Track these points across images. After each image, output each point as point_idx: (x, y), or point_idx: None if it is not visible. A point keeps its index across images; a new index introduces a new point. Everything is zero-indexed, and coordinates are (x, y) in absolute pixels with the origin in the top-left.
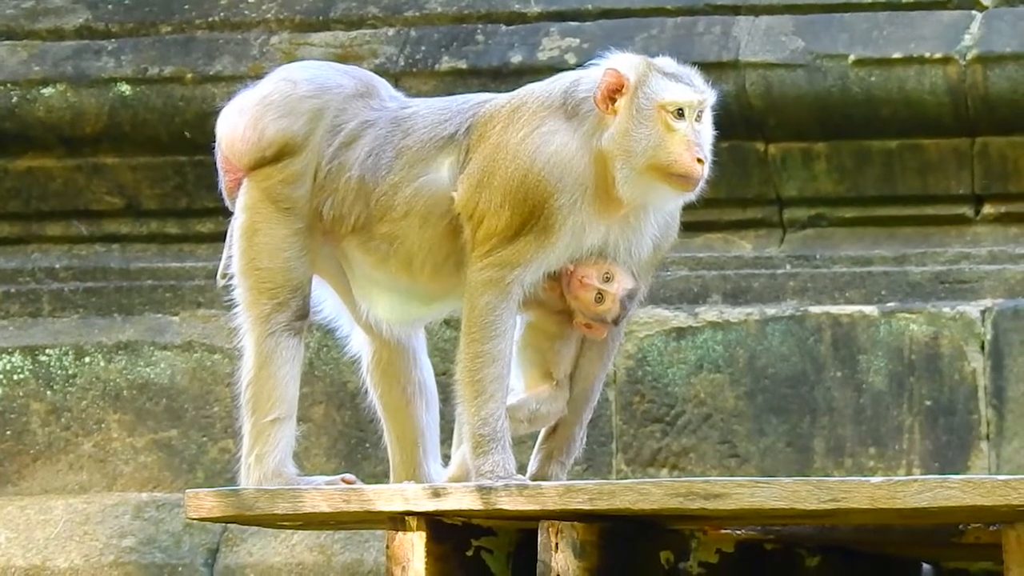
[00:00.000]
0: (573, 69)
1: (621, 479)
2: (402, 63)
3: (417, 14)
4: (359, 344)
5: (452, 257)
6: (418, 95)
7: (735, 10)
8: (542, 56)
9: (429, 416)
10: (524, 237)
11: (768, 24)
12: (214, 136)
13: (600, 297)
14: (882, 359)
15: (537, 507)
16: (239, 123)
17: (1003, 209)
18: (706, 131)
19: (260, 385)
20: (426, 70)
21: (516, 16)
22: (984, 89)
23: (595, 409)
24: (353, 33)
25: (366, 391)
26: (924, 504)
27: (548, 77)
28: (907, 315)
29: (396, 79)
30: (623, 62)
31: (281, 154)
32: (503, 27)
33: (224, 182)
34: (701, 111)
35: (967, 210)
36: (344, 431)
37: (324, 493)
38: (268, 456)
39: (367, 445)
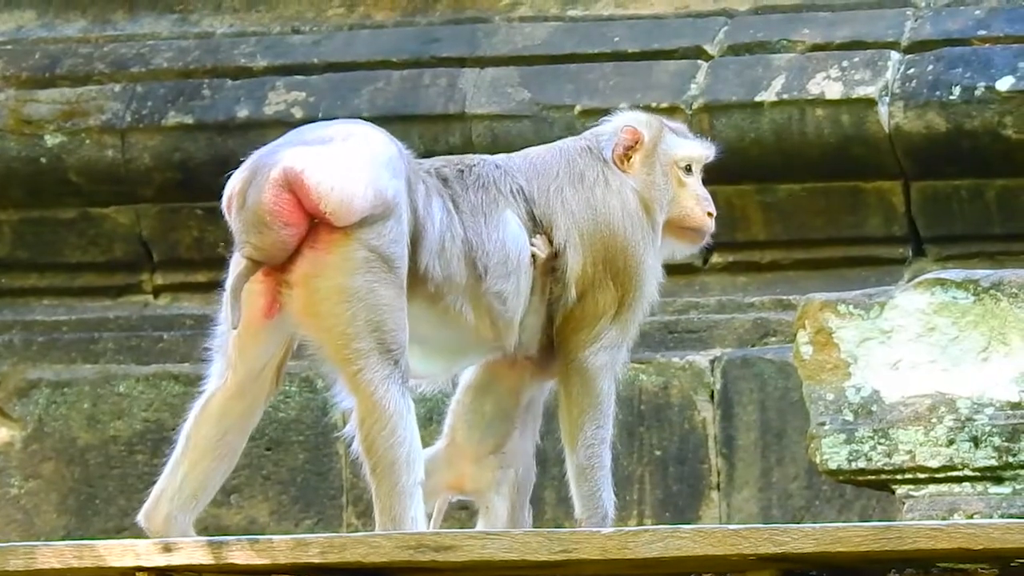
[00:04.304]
0: (299, 123)
1: (352, 532)
2: (129, 119)
3: (143, 70)
4: (215, 373)
5: (528, 309)
6: (145, 150)
7: (461, 62)
8: (268, 110)
9: (221, 477)
10: (625, 313)
11: (494, 76)
12: None
13: None
14: None
15: (268, 561)
16: (353, 179)
17: (731, 258)
18: None
19: (399, 446)
20: (153, 125)
21: (242, 70)
22: (710, 138)
23: (325, 463)
24: (80, 89)
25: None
26: (655, 554)
27: (275, 130)
28: (636, 365)
29: (123, 135)
30: (636, 119)
31: (388, 213)
32: (229, 81)
33: (281, 235)
34: (702, 167)
35: (695, 259)
36: (74, 487)
37: (55, 549)
38: (409, 518)
39: (97, 501)
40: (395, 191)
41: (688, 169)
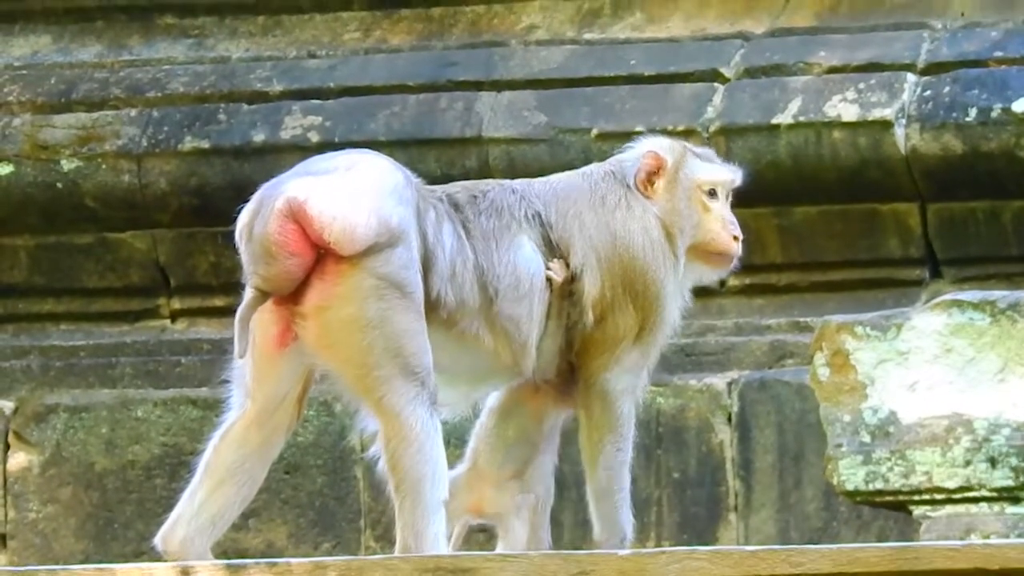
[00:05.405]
0: (316, 147)
1: (370, 555)
2: (145, 144)
3: (159, 94)
4: (235, 403)
5: (545, 334)
6: (161, 175)
7: (477, 86)
8: (284, 135)
9: (240, 504)
10: (647, 337)
11: (510, 99)
12: None
13: None
14: None
15: None
16: (355, 208)
17: (748, 281)
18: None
19: (425, 463)
20: (169, 150)
21: (258, 95)
22: (727, 161)
23: (343, 486)
24: (95, 114)
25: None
26: None
27: (291, 155)
28: (654, 388)
29: (139, 160)
30: (660, 144)
31: (395, 241)
32: (245, 106)
33: (286, 265)
34: (730, 191)
35: (712, 282)
36: (93, 512)
37: (73, 573)
38: (432, 535)
39: (115, 525)
40: (400, 218)
41: (712, 193)
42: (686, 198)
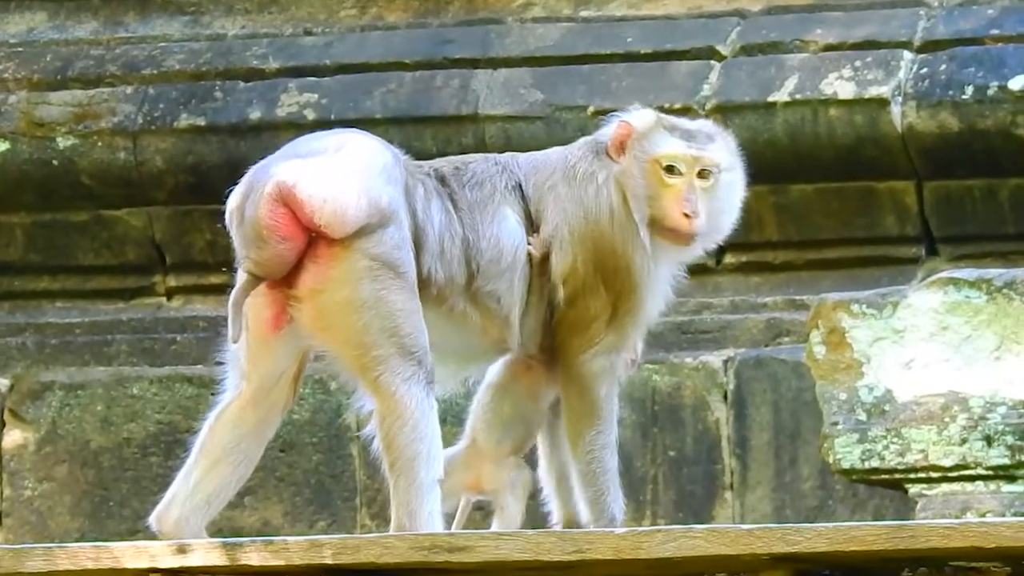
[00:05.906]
0: (312, 124)
1: (366, 533)
2: (141, 121)
3: (155, 72)
4: (230, 384)
5: (527, 309)
6: (157, 153)
7: (474, 63)
8: (281, 112)
9: (236, 484)
10: (622, 318)
11: (506, 77)
12: None
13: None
14: (625, 410)
15: (282, 562)
16: (345, 190)
17: (744, 259)
18: (718, 190)
19: (419, 442)
20: (165, 128)
21: (254, 72)
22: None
23: (339, 464)
24: (91, 91)
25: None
26: (669, 554)
27: (287, 133)
28: (649, 366)
29: (135, 137)
30: (635, 114)
31: (385, 221)
32: (241, 83)
33: (279, 249)
34: (705, 169)
35: (709, 260)
36: (88, 490)
37: (69, 551)
38: (426, 513)
39: (111, 503)
40: (390, 198)
41: (671, 169)
42: (641, 170)
